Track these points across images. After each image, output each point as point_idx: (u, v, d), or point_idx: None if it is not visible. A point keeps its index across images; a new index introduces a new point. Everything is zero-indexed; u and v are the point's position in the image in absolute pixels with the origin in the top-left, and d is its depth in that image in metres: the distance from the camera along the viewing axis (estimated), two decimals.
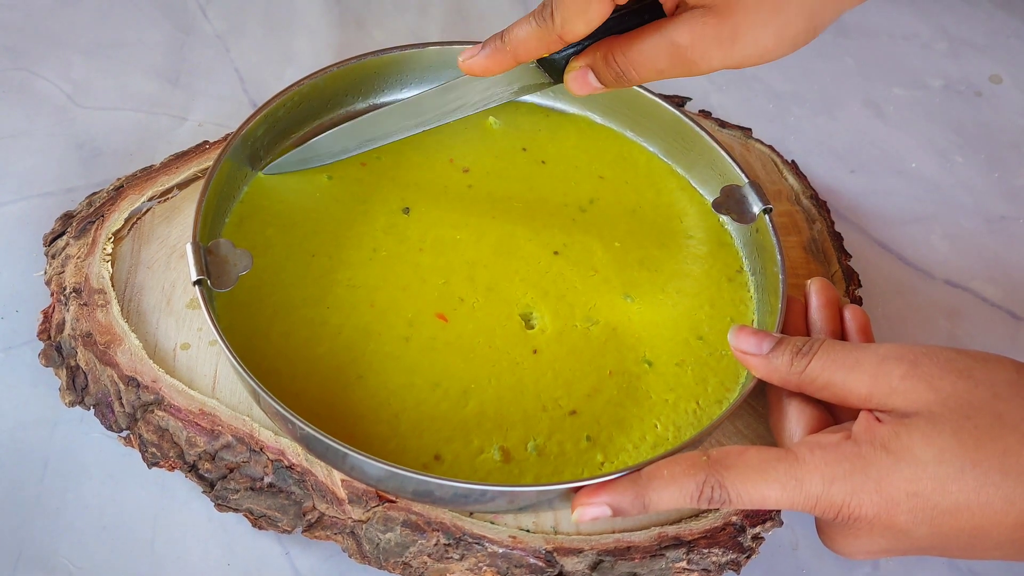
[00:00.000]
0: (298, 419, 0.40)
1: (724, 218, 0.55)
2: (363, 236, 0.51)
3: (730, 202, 0.52)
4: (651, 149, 0.58)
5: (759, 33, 0.40)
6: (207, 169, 0.53)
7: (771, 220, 0.50)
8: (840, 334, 0.47)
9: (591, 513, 0.39)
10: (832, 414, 0.43)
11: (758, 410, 0.49)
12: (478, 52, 0.45)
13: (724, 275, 0.53)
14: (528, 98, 0.60)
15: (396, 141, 0.55)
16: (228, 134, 0.50)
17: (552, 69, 0.47)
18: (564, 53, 0.45)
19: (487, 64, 0.45)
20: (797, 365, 0.41)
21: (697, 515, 0.44)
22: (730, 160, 0.53)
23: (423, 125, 0.53)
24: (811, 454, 0.38)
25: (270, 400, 0.41)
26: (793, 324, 0.48)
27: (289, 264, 0.50)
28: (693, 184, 0.57)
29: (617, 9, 0.42)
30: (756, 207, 0.51)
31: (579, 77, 0.45)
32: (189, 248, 0.44)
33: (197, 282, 0.44)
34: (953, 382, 0.37)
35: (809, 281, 0.49)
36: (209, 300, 0.44)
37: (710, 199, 0.55)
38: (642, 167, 0.58)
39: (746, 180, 0.52)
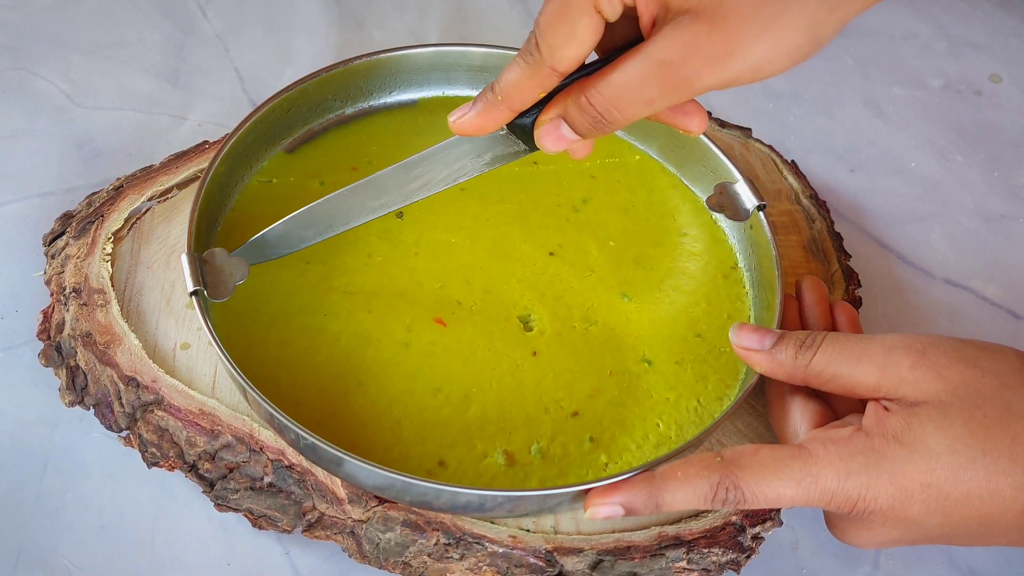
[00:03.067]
0: (302, 430, 0.40)
1: (717, 215, 0.55)
2: (357, 242, 0.51)
3: (724, 199, 0.52)
4: (641, 148, 0.58)
5: (756, 42, 0.35)
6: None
7: (765, 216, 0.50)
8: (832, 329, 0.47)
9: (604, 512, 0.39)
10: (832, 408, 0.43)
11: (758, 409, 0.49)
12: (468, 110, 0.40)
13: (719, 272, 0.53)
14: None
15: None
16: (226, 134, 0.50)
17: (524, 135, 0.42)
18: (532, 115, 0.40)
19: (481, 121, 0.40)
20: (802, 358, 0.41)
21: (697, 515, 0.44)
22: (722, 157, 0.53)
23: (387, 207, 0.45)
24: (824, 449, 0.38)
25: (276, 413, 0.40)
26: (788, 320, 0.48)
27: (284, 272, 0.49)
28: (685, 181, 0.57)
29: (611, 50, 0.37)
30: (750, 204, 0.51)
31: (551, 131, 0.39)
32: (184, 259, 0.44)
33: (194, 293, 0.44)
34: (961, 371, 0.38)
35: (799, 279, 0.49)
36: (206, 310, 0.44)
37: (702, 196, 0.55)
38: (633, 166, 0.58)
39: (739, 177, 0.52)
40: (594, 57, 0.40)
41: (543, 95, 0.39)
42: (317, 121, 0.56)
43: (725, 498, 0.38)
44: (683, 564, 0.43)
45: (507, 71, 0.38)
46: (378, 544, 0.43)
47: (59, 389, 0.47)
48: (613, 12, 0.36)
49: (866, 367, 0.39)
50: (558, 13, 0.36)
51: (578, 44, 0.36)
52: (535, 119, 0.40)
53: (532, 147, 0.42)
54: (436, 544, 0.42)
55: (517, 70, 0.38)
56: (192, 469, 0.44)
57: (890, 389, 0.38)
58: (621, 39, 0.39)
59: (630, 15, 0.37)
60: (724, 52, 0.35)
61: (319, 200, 0.45)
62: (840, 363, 0.40)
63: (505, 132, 0.43)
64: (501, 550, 0.42)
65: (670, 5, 0.35)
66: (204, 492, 0.44)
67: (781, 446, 0.39)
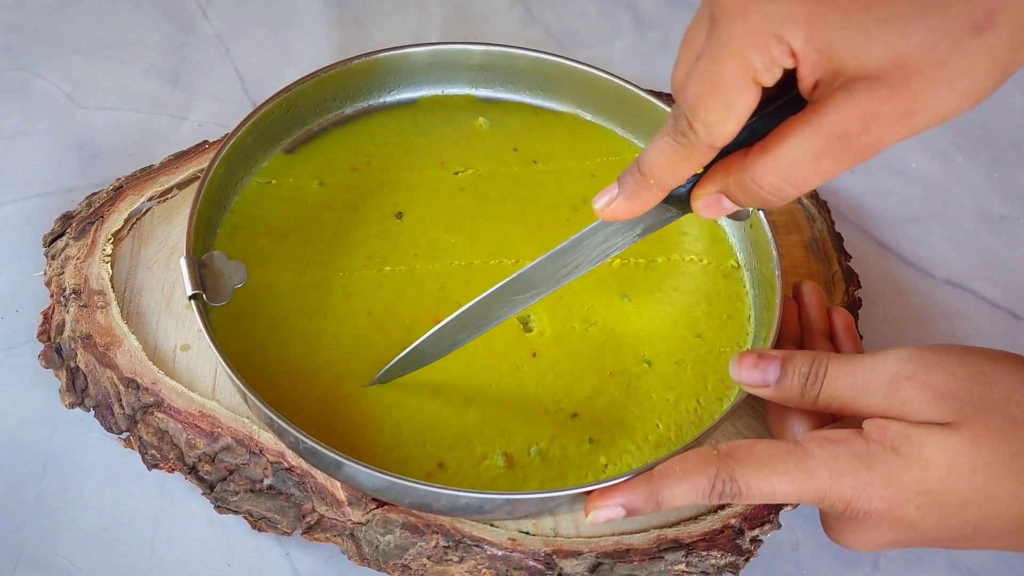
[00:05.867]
0: (302, 433, 0.40)
1: None
2: (357, 243, 0.51)
3: None
4: (641, 146, 0.58)
5: (943, 97, 0.32)
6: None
7: (765, 216, 0.50)
8: (829, 332, 0.48)
9: (605, 515, 0.39)
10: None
11: (758, 410, 0.49)
12: (615, 195, 0.38)
13: (720, 271, 0.53)
14: (517, 96, 0.60)
15: (391, 149, 0.54)
16: (226, 134, 0.50)
17: (677, 202, 0.39)
18: (686, 185, 0.39)
19: (633, 206, 0.38)
20: (808, 395, 0.40)
21: (696, 517, 0.44)
22: None
23: (536, 297, 0.44)
24: (820, 448, 0.38)
25: (276, 417, 0.40)
26: (787, 322, 0.48)
27: (283, 274, 0.49)
28: None
29: (763, 102, 0.34)
30: None
31: (711, 204, 0.38)
32: (183, 262, 0.44)
33: (192, 297, 0.44)
34: (969, 389, 0.37)
35: (799, 283, 0.49)
36: (205, 314, 0.44)
37: None
38: None
39: None
40: None
41: (700, 172, 0.38)
42: (317, 121, 0.56)
43: (722, 491, 0.38)
44: (682, 567, 0.43)
45: (655, 152, 0.36)
46: (377, 546, 0.43)
47: (59, 391, 0.47)
48: (772, 79, 0.33)
49: (871, 400, 0.39)
50: (711, 87, 0.34)
51: (736, 118, 0.34)
52: (690, 189, 0.38)
53: (685, 210, 0.40)
54: (435, 546, 0.42)
55: (668, 150, 0.36)
56: (192, 471, 0.44)
57: (897, 416, 0.38)
58: (771, 94, 0.36)
59: (788, 76, 0.34)
60: (908, 113, 0.32)
61: (469, 304, 0.44)
62: (845, 397, 0.39)
63: None
64: (500, 553, 0.42)
65: (842, 70, 0.32)
66: (204, 494, 0.44)
67: (778, 441, 0.39)
